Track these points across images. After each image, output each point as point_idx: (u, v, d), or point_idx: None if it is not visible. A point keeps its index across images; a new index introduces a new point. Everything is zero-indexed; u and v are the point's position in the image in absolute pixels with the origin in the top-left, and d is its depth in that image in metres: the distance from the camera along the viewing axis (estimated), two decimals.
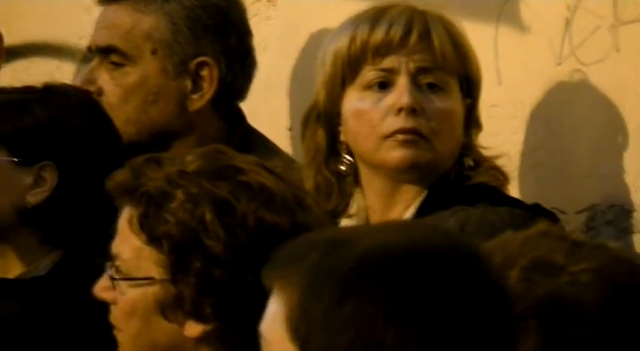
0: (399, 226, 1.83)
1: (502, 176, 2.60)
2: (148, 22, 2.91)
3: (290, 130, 2.90)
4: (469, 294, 1.46)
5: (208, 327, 2.07)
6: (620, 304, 1.87)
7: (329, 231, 1.66)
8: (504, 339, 1.59)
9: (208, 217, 2.14)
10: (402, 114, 2.54)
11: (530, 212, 2.30)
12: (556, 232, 1.93)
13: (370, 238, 1.56)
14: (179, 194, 2.14)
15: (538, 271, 1.83)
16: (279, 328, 1.54)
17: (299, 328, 1.52)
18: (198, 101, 2.83)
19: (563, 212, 2.73)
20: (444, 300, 1.50)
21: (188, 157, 2.22)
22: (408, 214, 2.57)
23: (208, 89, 2.84)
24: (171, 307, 2.09)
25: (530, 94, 2.84)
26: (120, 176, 2.21)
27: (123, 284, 2.11)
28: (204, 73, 2.83)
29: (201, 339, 2.10)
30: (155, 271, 2.10)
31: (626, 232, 2.73)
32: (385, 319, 1.48)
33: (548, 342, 1.81)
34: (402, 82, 2.52)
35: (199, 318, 2.07)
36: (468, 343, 1.46)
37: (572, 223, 2.65)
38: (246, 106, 2.92)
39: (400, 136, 2.55)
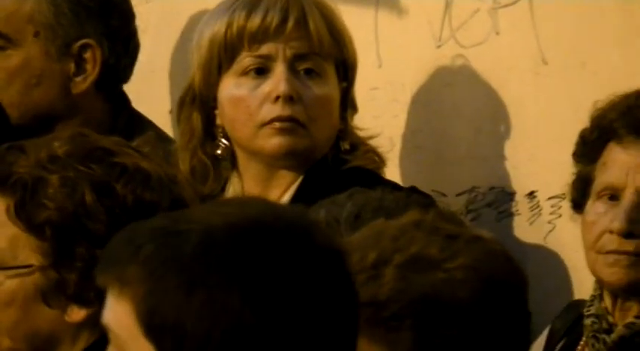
0: (230, 206, 1.85)
1: (379, 159, 2.68)
2: (29, 5, 2.94)
3: (171, 113, 2.96)
4: (304, 264, 1.49)
5: (91, 311, 2.10)
6: (493, 300, 1.91)
7: (153, 220, 1.66)
8: (344, 307, 1.62)
9: (88, 199, 2.14)
10: (280, 102, 2.60)
11: (422, 196, 2.45)
12: (429, 222, 1.93)
13: (204, 222, 1.57)
14: (54, 179, 2.14)
15: (413, 269, 1.86)
16: (131, 326, 1.55)
17: (152, 323, 1.54)
18: (81, 83, 2.87)
19: (443, 194, 2.84)
20: (287, 274, 1.54)
21: (54, 142, 2.23)
22: (285, 198, 2.65)
23: (92, 71, 2.87)
24: (53, 294, 2.10)
25: (411, 76, 2.93)
26: None
27: (0, 274, 2.14)
28: (88, 55, 2.87)
29: (83, 324, 2.11)
30: (34, 259, 2.10)
31: (506, 214, 2.86)
32: (239, 302, 1.51)
33: (424, 340, 1.87)
34: (280, 69, 2.58)
35: (83, 302, 2.08)
36: (319, 313, 1.50)
37: (453, 205, 2.79)
38: (127, 89, 2.96)
39: (277, 124, 2.62)
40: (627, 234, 2.55)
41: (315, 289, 1.64)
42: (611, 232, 2.59)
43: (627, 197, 2.50)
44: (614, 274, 2.63)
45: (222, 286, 1.55)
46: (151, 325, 1.53)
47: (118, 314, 1.55)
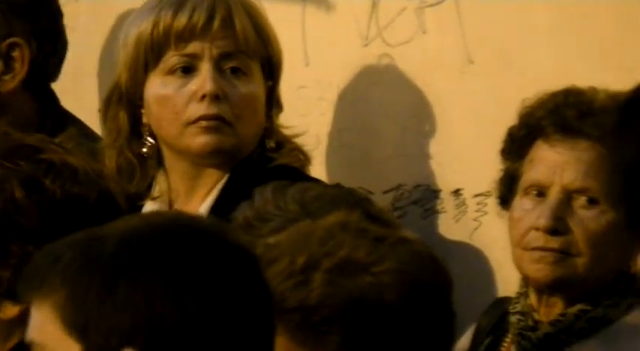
0: (146, 215, 1.96)
1: (304, 157, 2.74)
2: None
3: (100, 111, 2.96)
4: (218, 260, 1.56)
5: (24, 307, 2.15)
6: (419, 302, 1.96)
7: (72, 235, 1.73)
8: (255, 298, 1.66)
9: (18, 195, 2.20)
10: (206, 100, 2.66)
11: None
12: (355, 223, 1.99)
13: (121, 228, 1.63)
14: None
15: (341, 273, 1.91)
16: (56, 331, 1.59)
17: (77, 323, 1.58)
18: (10, 82, 2.92)
19: (370, 192, 2.87)
20: (203, 267, 1.61)
21: None
22: (211, 197, 2.71)
23: (20, 70, 2.93)
24: None
25: (338, 75, 2.98)
26: None
27: None
28: (16, 53, 2.92)
29: (16, 320, 2.15)
30: None
31: (432, 211, 2.91)
32: (161, 295, 1.56)
33: (351, 343, 1.91)
34: (206, 68, 2.64)
35: (16, 299, 2.16)
36: (236, 304, 1.56)
37: (380, 203, 2.74)
38: (55, 87, 3.01)
39: (204, 123, 2.67)
40: (552, 231, 2.60)
41: (230, 283, 1.69)
42: (537, 229, 2.64)
43: (553, 195, 2.55)
44: (540, 270, 2.67)
45: (144, 280, 1.60)
46: (75, 326, 1.56)
47: (42, 324, 1.60)
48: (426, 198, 3.08)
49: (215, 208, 2.74)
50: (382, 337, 1.98)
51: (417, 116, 3.11)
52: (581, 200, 2.62)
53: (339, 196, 2.34)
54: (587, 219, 2.67)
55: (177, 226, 1.72)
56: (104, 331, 1.60)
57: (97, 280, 1.60)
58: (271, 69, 2.71)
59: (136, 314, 1.61)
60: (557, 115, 2.63)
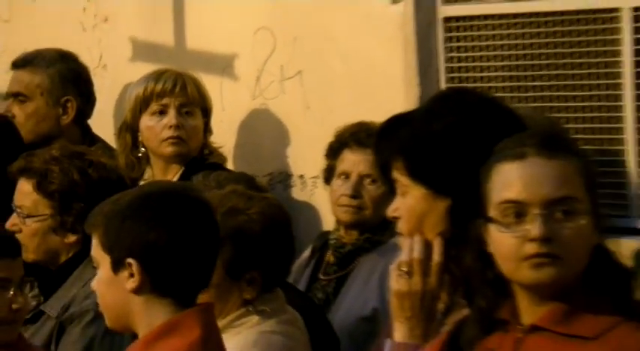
0: (145, 185, 3.29)
1: (222, 158, 4.49)
2: (37, 77, 4.64)
3: (114, 135, 4.71)
4: (188, 207, 2.55)
5: (79, 236, 3.42)
6: (274, 231, 3.24)
7: (108, 199, 2.71)
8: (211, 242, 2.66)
9: (76, 177, 3.53)
10: (172, 128, 4.35)
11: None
12: (240, 189, 3.32)
13: (131, 192, 2.70)
14: (56, 168, 3.54)
15: (229, 214, 3.13)
16: (98, 250, 2.57)
17: (105, 246, 2.55)
18: (66, 120, 4.55)
19: (256, 176, 4.33)
20: (177, 211, 2.56)
21: (52, 150, 3.68)
22: (175, 179, 4.40)
23: (71, 113, 4.57)
24: (58, 228, 3.45)
25: (238, 115, 4.90)
26: (17, 164, 3.63)
27: (28, 220, 3.50)
28: (69, 105, 4.58)
29: (73, 243, 3.47)
30: (48, 211, 3.50)
31: (289, 186, 4.74)
32: (153, 227, 2.54)
33: (236, 253, 3.15)
34: (172, 112, 4.35)
35: (74, 232, 3.45)
36: (198, 235, 2.56)
37: (260, 182, 4.23)
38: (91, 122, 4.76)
39: (170, 140, 4.35)
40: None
41: (195, 220, 2.71)
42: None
43: (353, 177, 4.00)
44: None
45: (143, 217, 2.59)
46: (104, 246, 2.56)
47: (95, 247, 2.59)
48: (285, 179, 4.87)
49: None
50: (252, 250, 3.18)
51: (281, 136, 4.90)
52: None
53: (238, 177, 3.85)
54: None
55: (164, 188, 2.83)
56: (118, 249, 2.57)
57: (117, 217, 2.58)
58: (207, 112, 4.41)
59: (135, 237, 2.57)
60: (356, 136, 4.08)
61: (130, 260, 2.70)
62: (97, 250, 2.69)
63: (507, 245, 2.64)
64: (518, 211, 2.63)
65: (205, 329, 2.98)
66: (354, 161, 4.25)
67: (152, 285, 2.80)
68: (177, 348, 2.94)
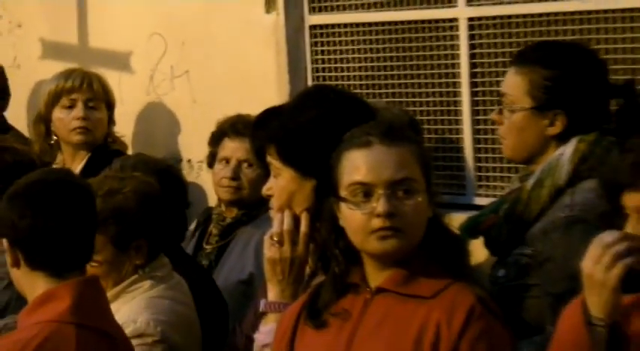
0: (43, 169, 3.46)
1: (124, 146, 4.90)
2: None
3: (28, 126, 5.13)
4: (72, 192, 2.88)
5: None
6: (150, 206, 3.44)
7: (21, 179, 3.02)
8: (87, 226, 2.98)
9: None
10: (80, 119, 4.80)
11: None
12: (112, 173, 3.62)
13: (35, 174, 3.01)
14: None
15: (107, 196, 3.37)
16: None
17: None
18: None
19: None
20: (64, 196, 2.88)
21: None
22: (82, 164, 4.86)
23: None
24: None
25: (137, 108, 5.35)
26: None
27: None
28: None
29: None
30: None
31: (181, 169, 5.06)
32: (19, 210, 2.88)
33: (119, 230, 3.40)
34: (80, 106, 4.81)
35: None
36: (79, 216, 2.91)
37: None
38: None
39: (78, 129, 4.77)
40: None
41: (77, 203, 3.00)
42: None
43: (233, 162, 4.20)
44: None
45: (11, 202, 2.94)
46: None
47: None
48: (176, 163, 5.23)
49: (84, 170, 4.76)
50: (133, 223, 3.39)
51: (172, 126, 5.38)
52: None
53: (138, 161, 4.00)
54: None
55: (43, 175, 3.07)
56: (17, 232, 2.91)
57: (2, 202, 2.91)
58: (110, 106, 4.90)
59: (6, 219, 2.93)
60: (233, 126, 4.33)
61: (2, 238, 3.04)
62: None
63: (357, 220, 2.80)
64: (365, 191, 2.80)
65: (77, 299, 3.09)
66: (233, 148, 4.48)
67: (26, 261, 3.03)
68: (49, 316, 3.07)
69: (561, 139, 3.51)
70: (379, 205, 2.76)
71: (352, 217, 2.83)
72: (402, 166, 2.84)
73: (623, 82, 3.77)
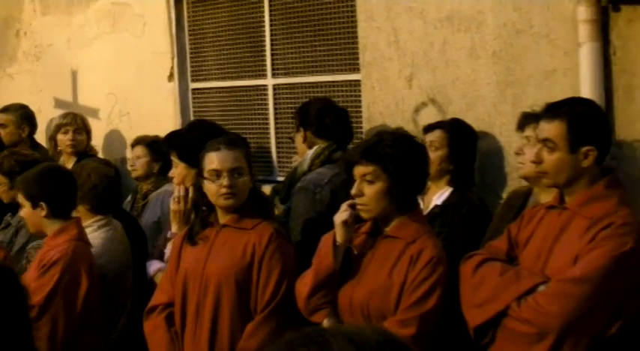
0: None
1: (96, 151, 6.97)
2: None
3: None
4: None
5: None
6: (109, 184, 4.88)
7: None
8: None
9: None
10: (70, 141, 6.48)
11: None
12: (79, 167, 4.80)
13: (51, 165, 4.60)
14: None
15: (81, 179, 4.56)
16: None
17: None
18: None
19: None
20: None
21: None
22: (72, 163, 6.43)
23: None
24: None
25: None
26: None
27: None
28: None
29: None
30: None
31: None
32: (49, 185, 4.24)
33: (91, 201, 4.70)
34: (70, 132, 6.57)
35: None
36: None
37: None
38: None
39: (69, 144, 6.57)
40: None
41: (72, 180, 4.46)
42: None
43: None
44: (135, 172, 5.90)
45: (46, 178, 4.28)
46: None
47: None
48: (122, 161, 7.37)
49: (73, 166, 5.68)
50: (87, 194, 4.63)
51: (120, 141, 7.69)
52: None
53: (96, 160, 6.33)
54: None
55: (60, 167, 4.61)
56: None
57: (44, 178, 4.34)
58: (88, 132, 6.76)
59: (48, 188, 4.29)
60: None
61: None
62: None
63: (213, 189, 4.04)
64: (217, 174, 4.02)
65: (79, 229, 4.40)
66: (138, 153, 6.00)
67: (49, 211, 4.21)
68: (70, 237, 4.36)
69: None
70: (224, 181, 4.05)
71: (210, 188, 4.08)
72: (236, 160, 4.15)
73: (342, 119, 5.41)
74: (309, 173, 5.21)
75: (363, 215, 3.93)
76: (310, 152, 5.30)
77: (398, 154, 3.86)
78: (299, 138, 5.41)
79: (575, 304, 3.46)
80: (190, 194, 4.71)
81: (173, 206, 4.79)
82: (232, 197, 4.15)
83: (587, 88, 5.02)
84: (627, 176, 4.95)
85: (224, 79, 7.32)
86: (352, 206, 3.91)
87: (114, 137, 8.09)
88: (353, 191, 3.91)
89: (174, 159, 4.90)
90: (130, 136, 7.33)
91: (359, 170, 3.90)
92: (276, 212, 5.13)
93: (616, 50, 5.06)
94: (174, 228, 4.82)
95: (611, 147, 3.88)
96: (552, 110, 3.75)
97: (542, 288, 3.58)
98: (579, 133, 3.66)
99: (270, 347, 1.29)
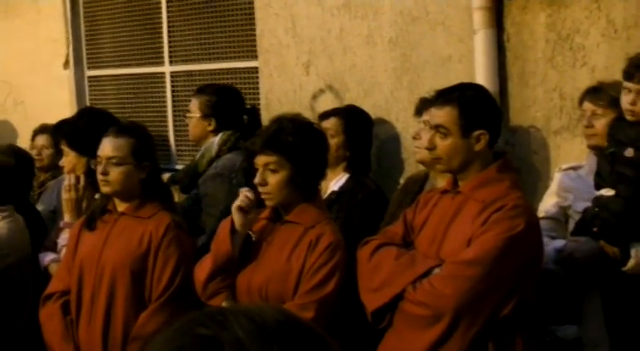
0: None
1: None
2: None
3: None
4: None
5: None
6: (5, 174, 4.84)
7: None
8: None
9: None
10: None
11: None
12: None
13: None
14: None
15: None
16: None
17: None
18: None
19: None
20: None
21: None
22: None
23: None
24: None
25: None
26: None
27: None
28: None
29: None
30: None
31: None
32: None
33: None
34: None
35: None
36: None
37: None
38: None
39: None
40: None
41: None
42: None
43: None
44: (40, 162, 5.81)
45: None
46: None
47: None
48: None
49: None
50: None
51: (12, 132, 7.86)
52: None
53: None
54: None
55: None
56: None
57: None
58: None
59: None
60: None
61: None
62: None
63: (79, 167, 4.44)
64: (99, 161, 4.25)
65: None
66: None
67: None
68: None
69: (216, 132, 5.13)
70: (99, 168, 4.25)
71: (79, 167, 4.58)
72: (115, 150, 4.27)
73: (250, 107, 5.53)
74: (218, 160, 5.26)
75: (268, 203, 4.02)
76: (216, 139, 5.34)
77: (300, 143, 3.93)
78: (200, 124, 5.42)
79: (468, 285, 3.56)
80: (82, 182, 4.78)
81: (64, 195, 4.82)
82: (106, 185, 4.27)
83: (481, 75, 5.16)
84: (521, 160, 5.17)
85: (121, 66, 7.42)
86: (250, 193, 4.01)
87: (7, 127, 8.12)
88: (256, 180, 3.97)
89: (64, 147, 4.95)
90: (25, 126, 7.42)
91: (261, 160, 3.97)
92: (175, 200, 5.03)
93: (510, 37, 5.24)
94: (66, 217, 4.85)
95: (504, 132, 3.92)
96: (443, 96, 3.83)
97: (436, 271, 3.68)
98: (470, 117, 3.76)
99: (170, 326, 1.30)
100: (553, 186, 4.61)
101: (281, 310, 1.28)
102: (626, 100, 4.05)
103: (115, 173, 4.26)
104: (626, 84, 4.06)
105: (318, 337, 1.26)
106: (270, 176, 3.98)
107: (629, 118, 4.06)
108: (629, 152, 4.00)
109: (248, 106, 5.66)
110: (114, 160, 4.26)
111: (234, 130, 5.34)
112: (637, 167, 3.98)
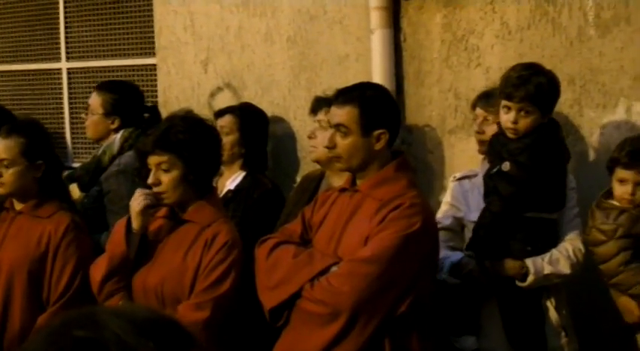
0: None
1: None
2: None
3: None
4: None
5: None
6: None
7: None
8: None
9: None
10: None
11: None
12: None
13: None
14: None
15: None
16: None
17: None
18: None
19: None
20: None
21: None
22: None
23: None
24: None
25: None
26: None
27: None
28: None
29: None
30: None
31: None
32: None
33: None
34: None
35: None
36: None
37: None
38: None
39: None
40: None
41: None
42: None
43: None
44: None
45: None
46: None
47: None
48: None
49: None
50: None
51: None
52: None
53: None
54: None
55: None
56: None
57: None
58: None
59: None
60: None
61: None
62: None
63: None
64: None
65: None
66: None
67: None
68: None
69: (119, 130, 5.12)
70: None
71: None
72: (4, 151, 4.35)
73: (151, 105, 5.53)
74: (120, 157, 5.23)
75: (164, 202, 4.02)
76: (118, 136, 5.32)
77: (191, 140, 3.93)
78: (103, 122, 5.37)
79: (366, 283, 3.58)
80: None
81: None
82: (0, 186, 4.29)
83: (378, 74, 5.20)
84: (417, 159, 5.24)
85: (16, 62, 7.32)
86: (147, 193, 4.01)
87: None
88: (150, 180, 3.97)
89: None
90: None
91: (153, 159, 3.98)
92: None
93: (406, 37, 5.29)
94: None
95: (400, 131, 3.99)
96: (343, 95, 3.84)
97: (334, 269, 3.70)
98: (371, 116, 3.78)
99: (42, 331, 1.29)
100: (447, 196, 4.62)
101: (152, 309, 1.33)
102: (507, 118, 4.07)
103: (7, 175, 4.23)
104: (506, 102, 4.08)
105: (184, 330, 1.32)
106: (164, 175, 3.97)
107: (510, 135, 4.09)
108: (506, 166, 4.04)
109: (148, 104, 5.66)
110: (5, 162, 4.24)
111: (135, 127, 5.33)
112: (511, 182, 4.02)
